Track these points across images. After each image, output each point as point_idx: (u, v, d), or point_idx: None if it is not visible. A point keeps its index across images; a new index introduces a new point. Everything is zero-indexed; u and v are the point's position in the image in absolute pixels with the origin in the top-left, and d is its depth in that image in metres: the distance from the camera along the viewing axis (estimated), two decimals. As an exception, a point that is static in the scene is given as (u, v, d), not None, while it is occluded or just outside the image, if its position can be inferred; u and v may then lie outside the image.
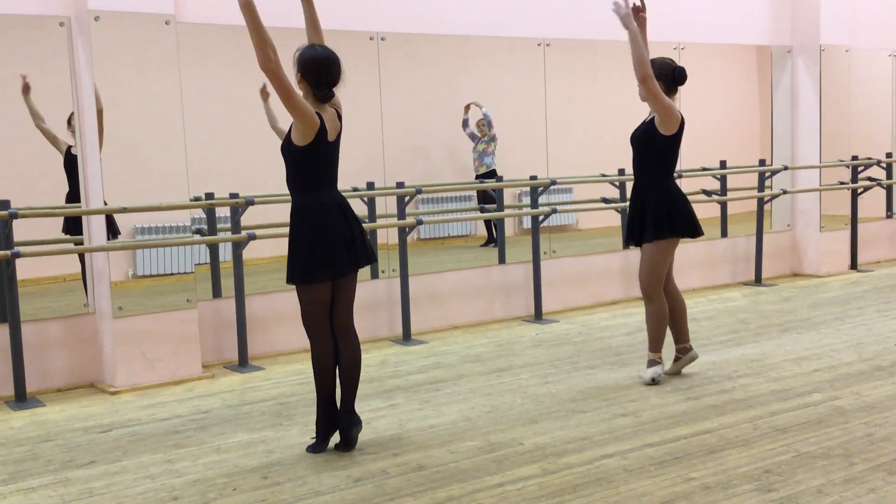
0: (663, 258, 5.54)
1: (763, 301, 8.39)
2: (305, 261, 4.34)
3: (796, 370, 5.82)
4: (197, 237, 6.67)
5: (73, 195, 6.33)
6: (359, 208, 7.48)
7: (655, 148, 5.47)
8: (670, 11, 8.79)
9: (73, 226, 6.44)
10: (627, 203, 5.93)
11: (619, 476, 4.06)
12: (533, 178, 8.08)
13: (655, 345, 5.63)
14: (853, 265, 10.04)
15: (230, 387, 5.97)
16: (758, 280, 9.34)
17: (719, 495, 3.80)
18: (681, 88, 5.58)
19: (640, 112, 5.66)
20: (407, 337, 7.20)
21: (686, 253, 8.38)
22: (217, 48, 7.47)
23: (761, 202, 9.35)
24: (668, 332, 5.78)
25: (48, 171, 6.59)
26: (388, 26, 7.43)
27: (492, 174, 9.01)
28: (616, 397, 5.33)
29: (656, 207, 5.47)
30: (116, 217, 6.14)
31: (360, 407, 4.92)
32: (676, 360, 5.78)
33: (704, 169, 9.34)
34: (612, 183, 8.70)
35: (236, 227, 6.50)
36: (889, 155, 10.49)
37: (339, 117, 4.44)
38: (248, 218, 6.64)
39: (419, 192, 7.36)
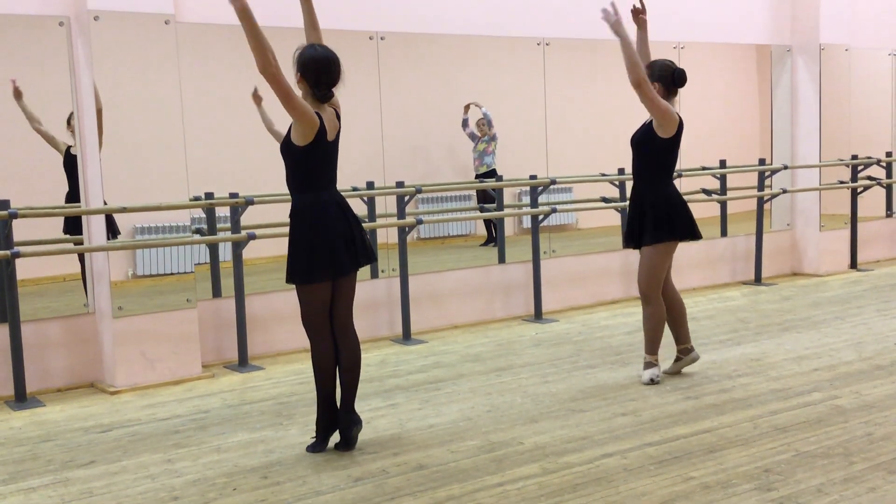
0: (661, 261, 5.53)
1: (763, 300, 8.39)
2: (305, 260, 4.35)
3: (796, 369, 5.82)
4: (197, 237, 6.67)
5: (73, 195, 6.33)
6: (358, 208, 7.48)
7: (654, 150, 5.47)
8: (670, 11, 8.79)
9: (72, 226, 6.44)
10: (627, 203, 5.93)
11: (619, 475, 4.06)
12: (533, 177, 8.09)
13: (652, 347, 5.63)
14: (853, 264, 10.04)
15: (230, 386, 5.98)
16: (757, 279, 9.34)
17: (719, 494, 3.80)
18: (680, 89, 5.58)
19: (640, 112, 5.65)
20: (407, 336, 7.21)
21: (686, 252, 8.38)
22: (217, 48, 7.47)
23: (761, 201, 9.35)
24: (666, 334, 5.78)
25: (48, 171, 6.59)
26: (388, 26, 7.43)
27: (492, 174, 9.00)
28: (616, 397, 5.33)
29: (655, 210, 5.47)
30: (116, 217, 6.14)
31: (360, 406, 4.92)
32: (677, 360, 5.78)
33: (704, 168, 9.34)
34: (611, 182, 8.70)
35: (236, 227, 6.51)
36: (889, 154, 10.50)
37: (338, 117, 4.44)
38: (247, 218, 6.64)
39: (419, 191, 7.36)
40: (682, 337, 5.75)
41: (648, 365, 5.62)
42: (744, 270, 9.49)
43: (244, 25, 4.02)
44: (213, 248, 7.06)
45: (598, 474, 4.08)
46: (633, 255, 8.38)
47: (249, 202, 6.50)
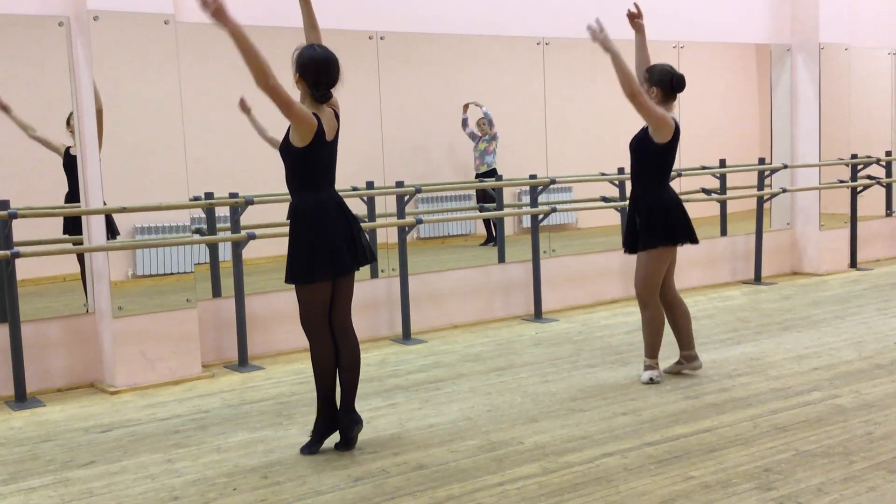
0: (657, 266, 5.53)
1: (763, 299, 8.39)
2: (306, 260, 4.34)
3: (796, 368, 5.82)
4: (196, 237, 6.67)
5: (73, 195, 6.33)
6: (358, 207, 7.50)
7: (650, 155, 5.46)
8: (670, 10, 8.80)
9: (72, 227, 6.44)
10: (627, 202, 5.92)
11: (619, 475, 4.06)
12: (532, 177, 8.08)
13: (651, 351, 5.63)
14: (853, 263, 10.04)
15: (230, 386, 5.98)
16: (757, 278, 9.34)
17: (719, 494, 3.80)
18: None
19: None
20: (407, 336, 7.21)
21: (686, 252, 8.36)
22: (216, 48, 7.40)
23: (761, 201, 9.35)
24: (667, 333, 5.77)
25: (48, 172, 6.59)
26: (388, 26, 7.43)
27: (492, 173, 9.00)
28: (616, 396, 5.33)
29: (651, 215, 5.46)
30: (116, 217, 6.13)
31: (359, 406, 4.92)
32: (679, 363, 5.75)
33: (704, 167, 9.34)
34: (611, 182, 8.70)
35: (236, 227, 6.50)
36: (888, 153, 10.50)
37: (337, 117, 4.44)
38: (247, 217, 6.64)
39: (418, 191, 7.36)
40: (685, 343, 5.72)
41: (649, 367, 5.62)
42: (744, 270, 9.49)
43: (237, 45, 3.95)
44: (213, 248, 7.06)
45: (598, 474, 4.08)
46: (633, 255, 8.38)
47: (249, 202, 6.50)
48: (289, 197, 4.48)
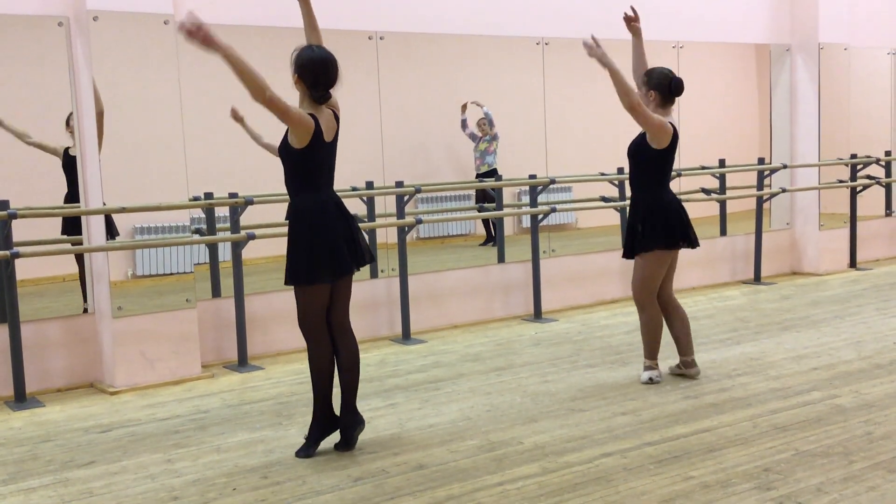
0: (655, 269, 5.52)
1: (762, 299, 8.39)
2: (307, 261, 4.33)
3: (795, 368, 5.82)
4: (196, 237, 6.67)
5: (72, 196, 6.33)
6: (358, 207, 7.51)
7: (648, 160, 5.45)
8: (670, 10, 8.80)
9: (71, 228, 6.44)
10: (626, 202, 5.92)
11: (619, 475, 4.06)
12: (532, 176, 8.08)
13: (651, 352, 5.63)
14: (852, 263, 10.04)
15: (230, 386, 5.98)
16: (757, 278, 9.34)
17: (719, 494, 3.80)
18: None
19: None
20: (406, 336, 7.21)
21: (685, 252, 8.35)
22: (216, 48, 7.46)
23: (760, 200, 9.35)
24: (666, 334, 5.77)
25: (47, 172, 6.59)
26: (387, 26, 7.43)
27: (493, 173, 9.00)
28: (615, 396, 5.33)
29: (649, 219, 5.45)
30: (115, 218, 6.13)
31: (359, 406, 4.91)
32: (678, 366, 5.73)
33: (703, 167, 9.34)
34: (611, 182, 8.70)
35: (235, 227, 6.51)
36: (888, 153, 10.50)
37: (337, 118, 4.43)
38: (247, 217, 6.64)
39: (418, 191, 7.36)
40: (683, 349, 5.68)
41: (648, 367, 5.62)
42: (743, 270, 9.49)
43: (231, 66, 3.90)
44: (213, 248, 7.06)
45: (598, 474, 4.08)
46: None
47: (249, 202, 6.50)
48: (288, 197, 4.48)
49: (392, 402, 5.39)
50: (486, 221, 9.30)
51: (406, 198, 7.32)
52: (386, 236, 7.64)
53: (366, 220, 7.40)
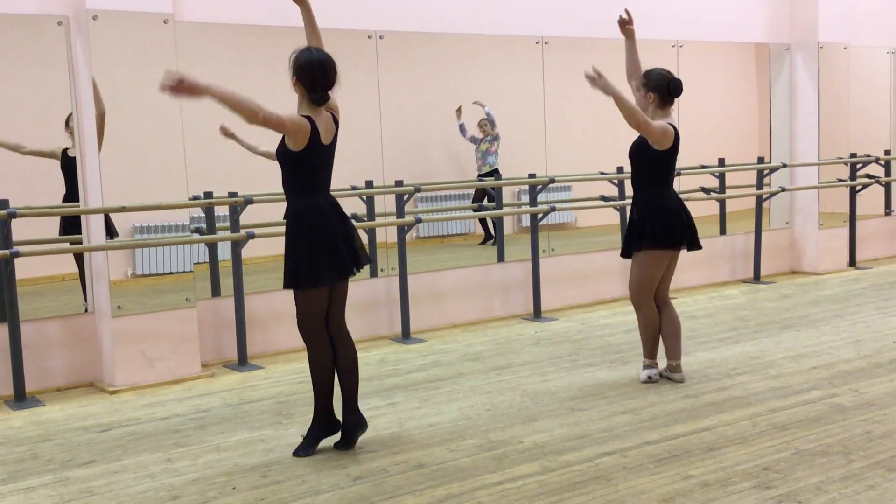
0: (651, 269, 5.51)
1: (762, 298, 8.40)
2: (308, 264, 4.32)
3: (795, 367, 5.82)
4: (196, 236, 6.67)
5: (71, 197, 6.33)
6: (357, 207, 7.52)
7: (650, 162, 5.44)
8: (669, 10, 8.80)
9: (70, 228, 6.42)
10: (626, 201, 5.92)
11: (619, 474, 4.06)
12: (532, 176, 8.08)
13: (650, 351, 5.63)
14: (852, 262, 10.04)
15: (229, 386, 5.98)
16: (756, 277, 9.34)
17: (718, 493, 3.81)
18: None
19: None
20: (406, 335, 7.21)
21: (685, 251, 8.39)
22: (215, 47, 7.46)
23: (760, 200, 9.36)
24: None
25: (47, 172, 6.59)
26: (387, 25, 7.43)
27: (494, 174, 9.01)
28: (615, 395, 5.34)
29: (648, 218, 5.45)
30: (115, 217, 6.12)
31: (359, 405, 4.91)
32: (664, 369, 5.68)
33: (703, 166, 9.34)
34: (610, 181, 8.70)
35: (235, 226, 6.50)
36: (887, 152, 10.50)
37: (336, 121, 4.42)
38: (246, 217, 6.63)
39: (418, 190, 7.35)
40: (669, 352, 5.62)
41: (647, 366, 5.62)
42: (743, 269, 9.49)
43: (221, 103, 3.97)
44: (213, 248, 7.06)
45: (598, 473, 4.09)
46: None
47: (248, 201, 6.50)
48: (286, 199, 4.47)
49: (392, 402, 5.39)
50: (483, 221, 9.30)
51: (406, 197, 7.32)
52: (385, 235, 7.64)
53: (365, 219, 7.41)
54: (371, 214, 7.45)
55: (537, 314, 7.90)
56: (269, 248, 6.79)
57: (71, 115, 6.14)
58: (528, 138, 8.70)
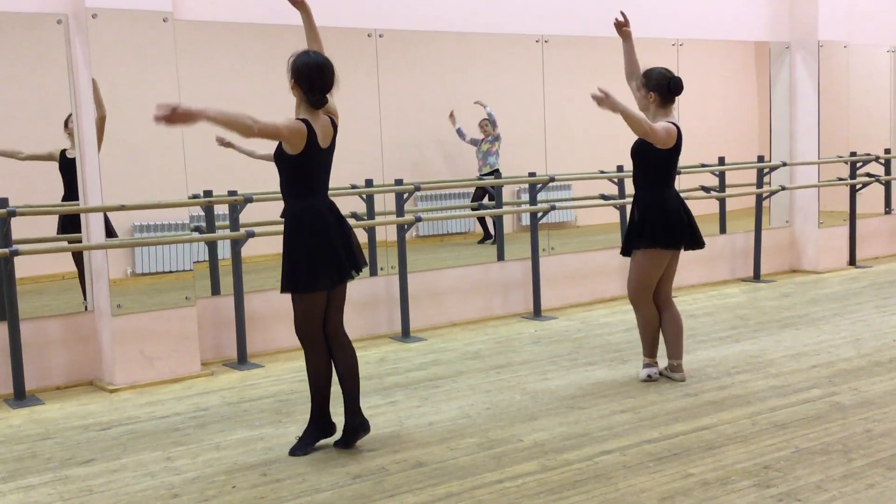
0: (650, 268, 5.50)
1: (762, 297, 8.40)
2: (308, 268, 4.30)
3: (795, 366, 5.82)
4: (195, 235, 6.67)
5: (70, 198, 6.33)
6: (357, 205, 7.52)
7: (652, 160, 5.43)
8: (669, 8, 8.79)
9: (68, 228, 6.41)
10: (625, 200, 5.91)
11: (618, 472, 4.06)
12: (531, 174, 8.08)
13: (650, 350, 5.63)
14: (851, 261, 10.04)
15: (229, 384, 5.98)
16: (756, 276, 9.34)
17: (718, 491, 3.81)
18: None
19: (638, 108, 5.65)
20: (406, 334, 7.21)
21: (686, 251, 8.40)
22: (215, 45, 7.47)
23: (760, 198, 9.35)
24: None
25: (47, 171, 6.59)
26: (387, 23, 7.42)
27: (495, 174, 9.01)
28: (615, 394, 5.34)
29: (648, 217, 5.44)
30: (114, 217, 6.12)
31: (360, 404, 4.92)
32: (665, 368, 5.68)
33: (703, 165, 9.34)
34: (610, 179, 8.70)
35: (235, 225, 6.50)
36: (887, 151, 10.49)
37: (335, 126, 4.41)
38: (246, 215, 6.63)
39: (418, 189, 7.35)
40: (670, 351, 5.63)
41: (647, 365, 5.62)
42: (743, 267, 9.49)
43: (217, 124, 4.03)
44: (212, 246, 7.06)
45: (598, 471, 4.09)
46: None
47: (248, 200, 6.50)
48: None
49: (392, 400, 5.39)
50: (483, 221, 9.30)
51: (405, 196, 7.32)
52: (385, 234, 7.63)
53: (365, 217, 7.41)
54: (371, 213, 7.45)
55: (537, 313, 7.90)
56: (268, 247, 6.79)
57: (70, 116, 6.13)
58: (528, 137, 8.70)
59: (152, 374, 6.08)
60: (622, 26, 5.65)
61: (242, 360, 6.47)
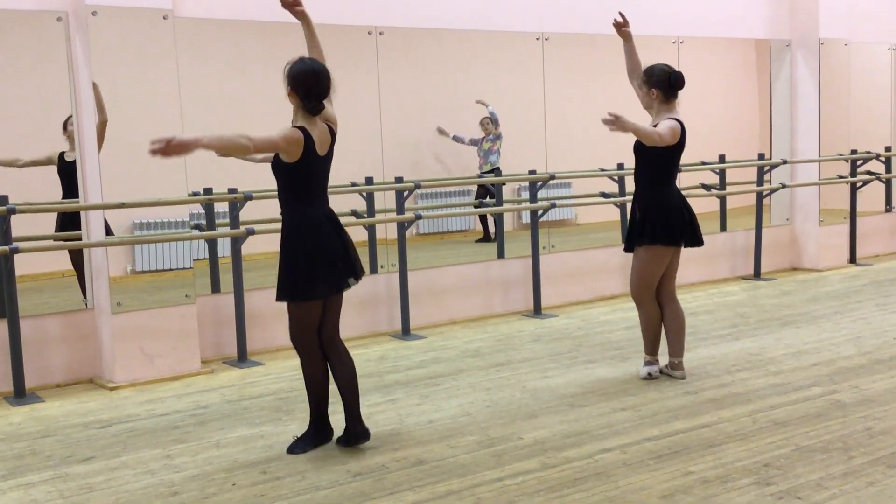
0: (652, 265, 5.50)
1: (762, 295, 8.39)
2: (306, 277, 4.28)
3: (795, 364, 5.82)
4: (195, 232, 6.67)
5: (69, 199, 6.31)
6: (357, 203, 7.51)
7: (654, 156, 5.43)
8: (670, 6, 8.78)
9: (67, 227, 6.41)
10: (626, 198, 5.91)
11: (619, 470, 4.06)
12: (532, 172, 8.08)
13: (651, 348, 5.63)
14: (852, 259, 10.04)
15: (229, 382, 5.97)
16: (757, 274, 9.34)
17: (718, 489, 3.80)
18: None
19: (638, 108, 5.64)
20: (406, 332, 7.20)
21: (685, 248, 8.40)
22: (215, 43, 7.47)
23: (760, 196, 9.35)
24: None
25: (46, 169, 6.59)
26: (387, 21, 7.41)
27: (495, 172, 9.00)
28: (615, 392, 5.33)
29: (650, 214, 5.44)
30: (114, 214, 6.11)
31: (360, 402, 4.92)
32: (666, 366, 5.68)
33: (703, 163, 9.34)
34: (610, 177, 8.70)
35: (235, 223, 6.50)
36: (888, 149, 10.49)
37: (333, 134, 4.39)
38: (246, 213, 6.62)
39: (418, 186, 7.35)
40: (672, 349, 5.62)
41: (648, 363, 5.62)
42: (743, 265, 9.49)
43: (211, 149, 4.08)
44: (212, 244, 7.05)
45: (598, 469, 4.09)
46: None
47: (248, 198, 6.49)
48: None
49: (392, 398, 5.39)
50: (483, 220, 9.30)
51: (406, 193, 7.31)
52: (385, 232, 7.63)
53: (365, 215, 7.40)
54: (371, 211, 7.45)
55: (537, 311, 7.90)
56: (268, 245, 6.77)
57: (69, 118, 6.12)
58: (528, 135, 8.69)
59: (152, 372, 6.08)
60: (621, 27, 5.65)
61: (242, 357, 6.47)
